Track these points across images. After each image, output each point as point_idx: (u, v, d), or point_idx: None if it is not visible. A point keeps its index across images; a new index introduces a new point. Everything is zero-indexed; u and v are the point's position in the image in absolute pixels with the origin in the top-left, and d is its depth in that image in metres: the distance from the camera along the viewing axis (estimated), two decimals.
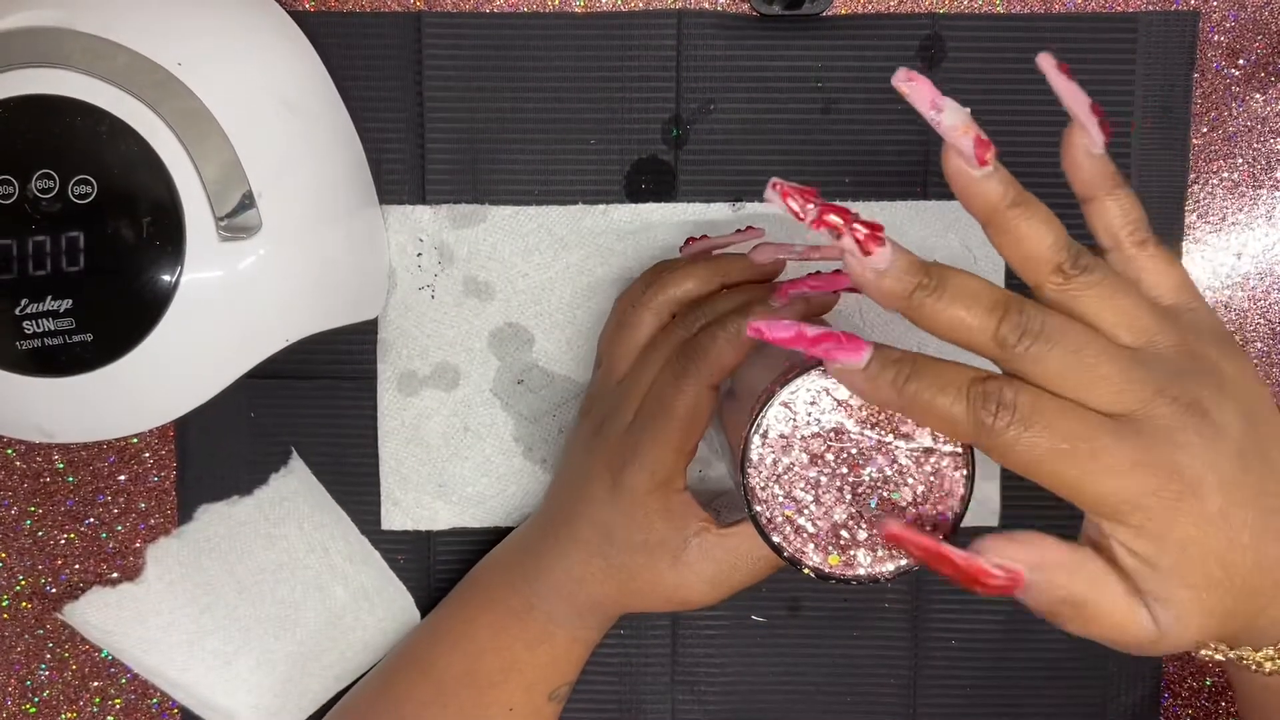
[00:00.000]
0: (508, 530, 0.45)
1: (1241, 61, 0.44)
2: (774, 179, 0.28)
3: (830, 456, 0.30)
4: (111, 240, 0.37)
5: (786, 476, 0.30)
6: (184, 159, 0.37)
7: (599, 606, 0.39)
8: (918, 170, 0.44)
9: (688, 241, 0.41)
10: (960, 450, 0.30)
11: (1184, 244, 0.45)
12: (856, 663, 0.46)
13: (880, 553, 0.30)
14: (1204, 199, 0.45)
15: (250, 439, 0.45)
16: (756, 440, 0.30)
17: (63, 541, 0.46)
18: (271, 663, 0.45)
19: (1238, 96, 0.44)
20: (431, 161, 0.44)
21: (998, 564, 0.27)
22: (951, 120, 0.28)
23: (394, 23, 0.43)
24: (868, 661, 0.46)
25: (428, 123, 0.44)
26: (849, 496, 0.30)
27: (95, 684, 0.46)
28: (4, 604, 0.46)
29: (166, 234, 0.37)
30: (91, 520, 0.46)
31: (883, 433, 0.30)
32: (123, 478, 0.45)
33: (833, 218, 0.27)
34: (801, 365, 0.30)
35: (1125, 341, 0.28)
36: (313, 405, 0.45)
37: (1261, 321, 0.45)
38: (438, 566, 0.46)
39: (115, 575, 0.46)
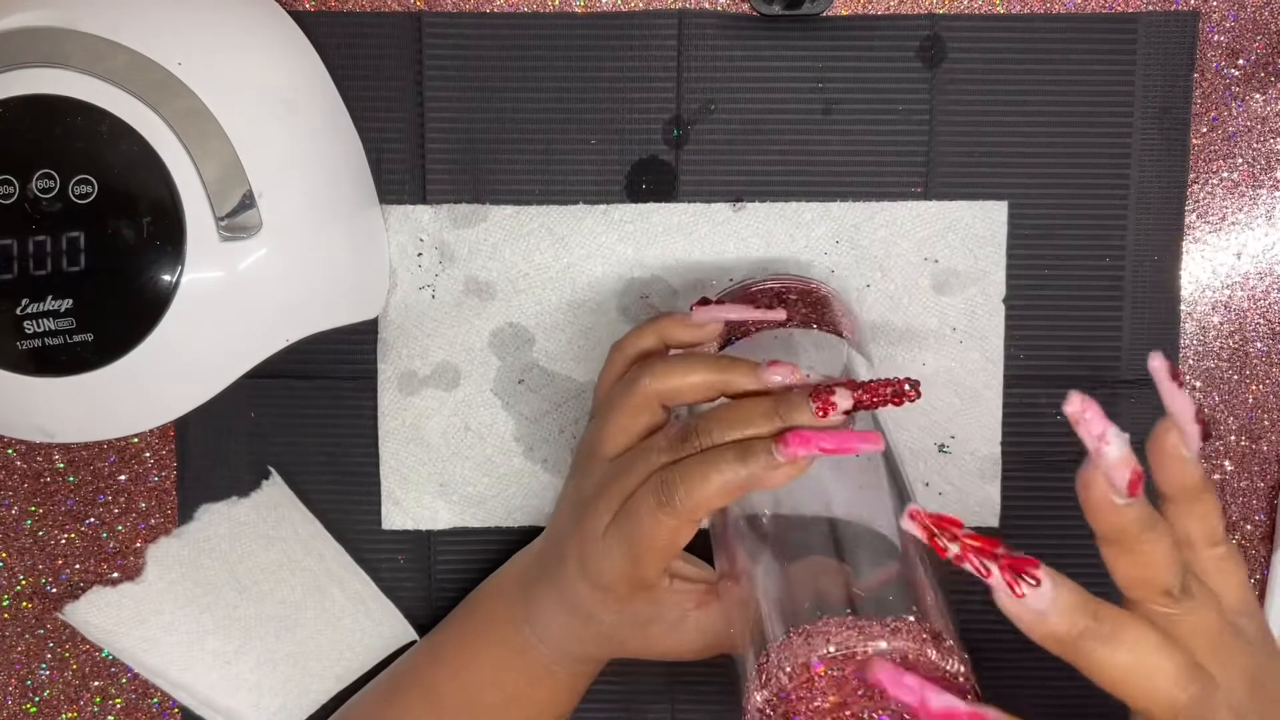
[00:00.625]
0: (508, 530, 0.45)
1: (1241, 61, 0.44)
2: (912, 507, 0.27)
3: None
4: (112, 240, 0.37)
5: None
6: (184, 159, 0.37)
7: (596, 658, 0.39)
8: (918, 170, 0.44)
9: (701, 302, 0.38)
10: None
11: (1184, 244, 0.45)
12: None
13: None
14: (1204, 199, 0.45)
15: (250, 439, 0.45)
16: (758, 698, 0.29)
17: (63, 541, 0.46)
18: (272, 663, 0.45)
19: (1237, 96, 0.44)
20: (432, 161, 0.44)
21: None
22: (1116, 454, 0.27)
23: (394, 23, 0.43)
24: None
25: (428, 122, 0.44)
26: None
27: (96, 684, 0.46)
28: (4, 604, 0.46)
29: (167, 234, 0.37)
30: (92, 520, 0.46)
31: (885, 709, 0.29)
32: (123, 477, 0.45)
33: (977, 559, 0.27)
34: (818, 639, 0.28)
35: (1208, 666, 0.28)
36: (313, 405, 0.45)
37: (1261, 321, 0.45)
38: (438, 566, 0.46)
39: (115, 575, 0.46)
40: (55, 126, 0.36)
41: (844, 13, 0.44)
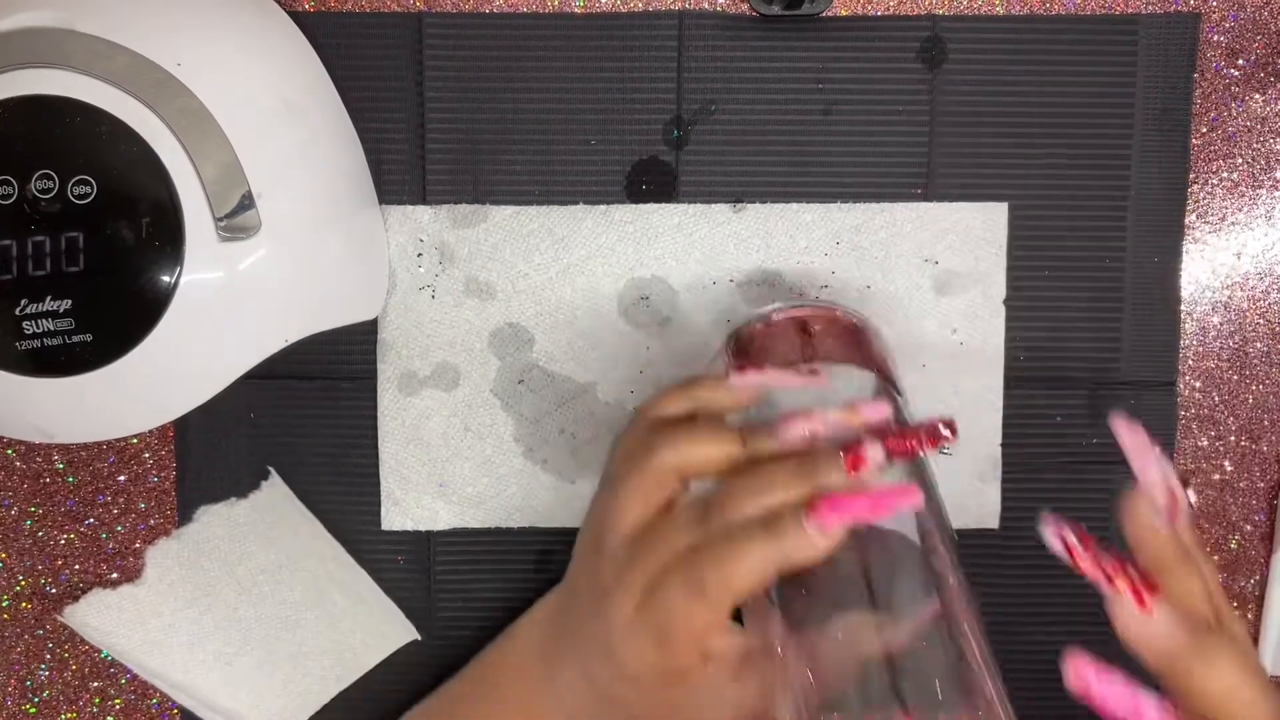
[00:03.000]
0: (507, 531, 0.45)
1: (1241, 62, 0.44)
2: (1050, 519, 0.27)
3: None
4: (111, 240, 0.37)
5: None
6: (183, 159, 0.37)
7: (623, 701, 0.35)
8: (918, 172, 0.44)
9: (739, 369, 0.34)
10: None
11: (1184, 244, 0.45)
12: None
13: None
14: (1204, 199, 0.45)
15: (250, 439, 0.45)
16: None
17: (63, 542, 0.46)
18: (273, 663, 0.45)
19: (1237, 97, 0.44)
20: (432, 162, 0.44)
21: None
22: (1158, 475, 0.27)
23: (394, 23, 0.43)
24: None
25: (428, 123, 0.44)
26: None
27: (95, 684, 0.46)
28: (4, 604, 0.46)
29: (166, 234, 0.37)
30: (91, 520, 0.46)
31: None
32: (122, 478, 0.45)
33: (1108, 574, 0.27)
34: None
35: None
36: (312, 406, 0.45)
37: (1261, 321, 0.45)
38: (438, 567, 0.46)
39: (115, 576, 0.46)
40: (54, 127, 0.36)
41: (844, 13, 0.44)
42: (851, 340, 0.36)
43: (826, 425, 0.31)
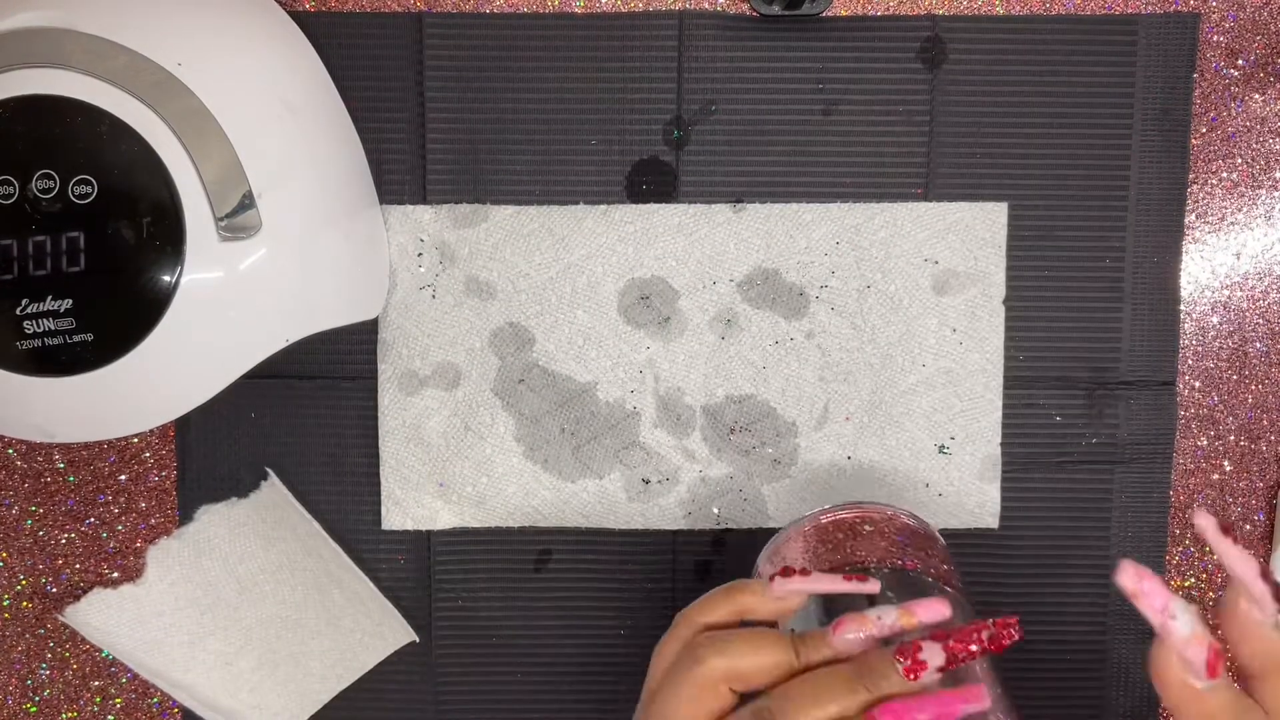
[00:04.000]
0: (507, 531, 0.45)
1: (1241, 62, 0.44)
2: (1126, 564, 0.25)
3: None
4: (112, 240, 0.37)
5: None
6: (184, 159, 0.37)
7: None
8: (918, 171, 0.44)
9: (783, 572, 0.32)
10: None
11: (1184, 244, 0.45)
12: None
13: None
14: (1203, 199, 0.45)
15: (250, 439, 0.45)
16: None
17: (63, 541, 0.46)
18: (273, 663, 0.45)
19: (1237, 97, 0.44)
20: (432, 162, 0.44)
21: None
22: (1186, 630, 0.25)
23: (395, 23, 0.43)
24: None
25: (429, 123, 0.44)
26: None
27: (96, 683, 0.46)
28: (5, 604, 0.46)
29: (166, 234, 0.37)
30: (92, 520, 0.46)
31: None
32: (123, 477, 0.45)
33: (1199, 648, 0.25)
34: None
35: None
36: (313, 405, 0.45)
37: (1261, 321, 0.45)
38: (437, 567, 0.46)
39: (116, 575, 0.46)
40: (55, 127, 0.36)
41: (844, 13, 0.44)
42: (908, 540, 0.35)
43: (881, 629, 0.29)
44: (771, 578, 0.32)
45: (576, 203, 0.44)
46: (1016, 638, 0.28)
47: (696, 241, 0.44)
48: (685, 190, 0.44)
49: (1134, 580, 0.25)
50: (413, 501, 0.45)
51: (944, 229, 0.44)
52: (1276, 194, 0.45)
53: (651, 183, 0.44)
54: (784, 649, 0.30)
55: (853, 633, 0.29)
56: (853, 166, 0.44)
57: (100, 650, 0.46)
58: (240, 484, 0.45)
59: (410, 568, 0.46)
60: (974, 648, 0.27)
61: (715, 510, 0.45)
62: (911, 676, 0.27)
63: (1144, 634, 0.46)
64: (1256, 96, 0.44)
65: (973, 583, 0.46)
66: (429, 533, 0.45)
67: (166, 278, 0.37)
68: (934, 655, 0.27)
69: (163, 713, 0.46)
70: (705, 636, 0.31)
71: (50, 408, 0.38)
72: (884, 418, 0.45)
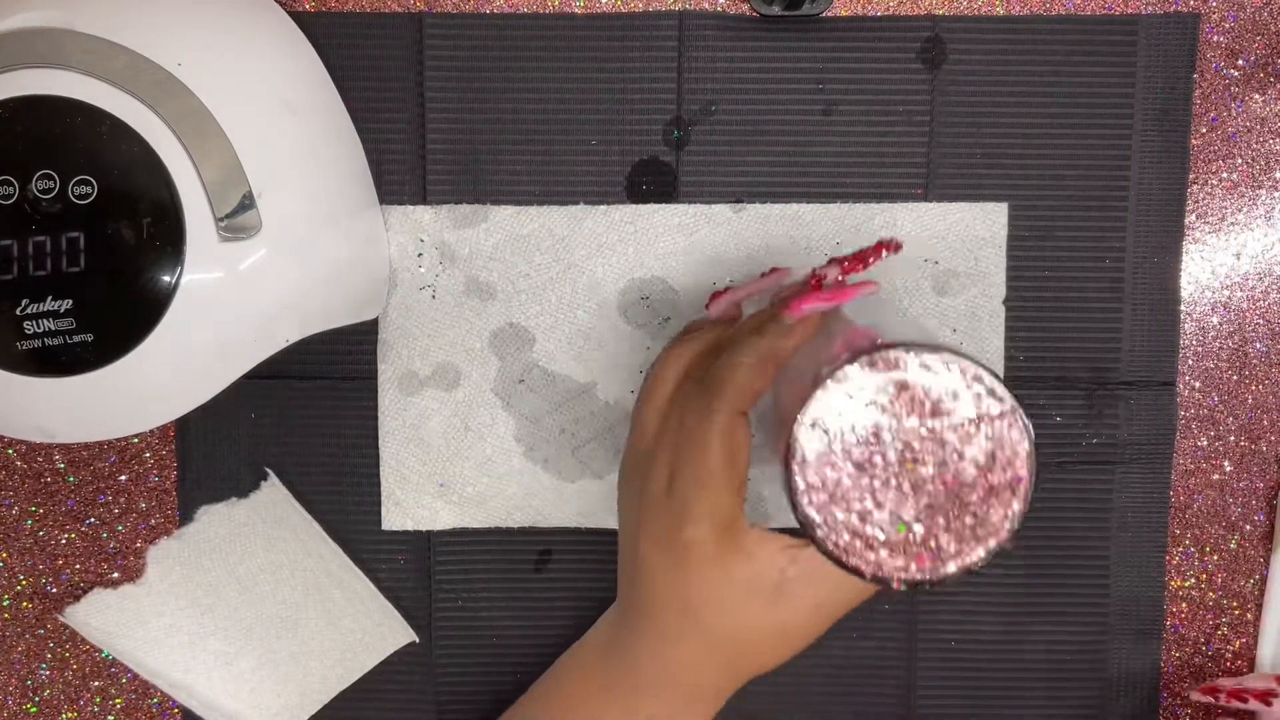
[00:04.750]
0: (508, 531, 0.45)
1: (1241, 62, 0.44)
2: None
3: (878, 459, 0.29)
4: (112, 240, 0.37)
5: (840, 494, 0.29)
6: (184, 159, 0.37)
7: (712, 687, 0.35)
8: (919, 172, 0.44)
9: (713, 297, 0.39)
10: (1009, 406, 0.28)
11: (1184, 244, 0.45)
12: (855, 663, 0.46)
13: (966, 536, 0.29)
14: (1203, 199, 0.45)
15: (250, 440, 0.45)
16: (797, 469, 0.29)
17: (63, 541, 0.46)
18: (274, 663, 0.45)
19: (1237, 97, 0.44)
20: (432, 162, 0.44)
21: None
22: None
23: (395, 23, 0.43)
24: (866, 662, 0.46)
25: (429, 123, 0.44)
26: (911, 492, 0.29)
27: (96, 683, 0.46)
28: (5, 604, 0.46)
29: (166, 234, 0.37)
30: (92, 520, 0.46)
31: (921, 419, 0.28)
32: (123, 478, 0.45)
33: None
34: (815, 380, 0.29)
35: None
36: (313, 406, 0.45)
37: (1261, 321, 0.45)
38: (438, 567, 0.46)
39: (116, 575, 0.46)
40: (55, 127, 0.36)
41: (844, 14, 0.44)
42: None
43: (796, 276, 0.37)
44: (706, 305, 0.39)
45: (577, 203, 0.44)
46: (896, 248, 0.36)
47: (697, 242, 0.44)
48: (685, 190, 0.44)
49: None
50: (413, 501, 0.45)
51: (944, 229, 0.44)
52: (1277, 194, 0.45)
53: (652, 183, 0.44)
54: (728, 322, 0.38)
55: (782, 277, 0.38)
56: (853, 167, 0.44)
57: (100, 650, 0.46)
58: (240, 484, 0.45)
59: (410, 568, 0.46)
60: (860, 262, 0.36)
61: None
62: (815, 286, 0.35)
63: (1145, 634, 0.46)
64: (1256, 97, 0.44)
65: (972, 583, 0.46)
66: (429, 533, 0.45)
67: (166, 278, 0.37)
68: (832, 269, 0.36)
69: (163, 713, 0.46)
70: (747, 333, 0.35)
71: (50, 408, 0.38)
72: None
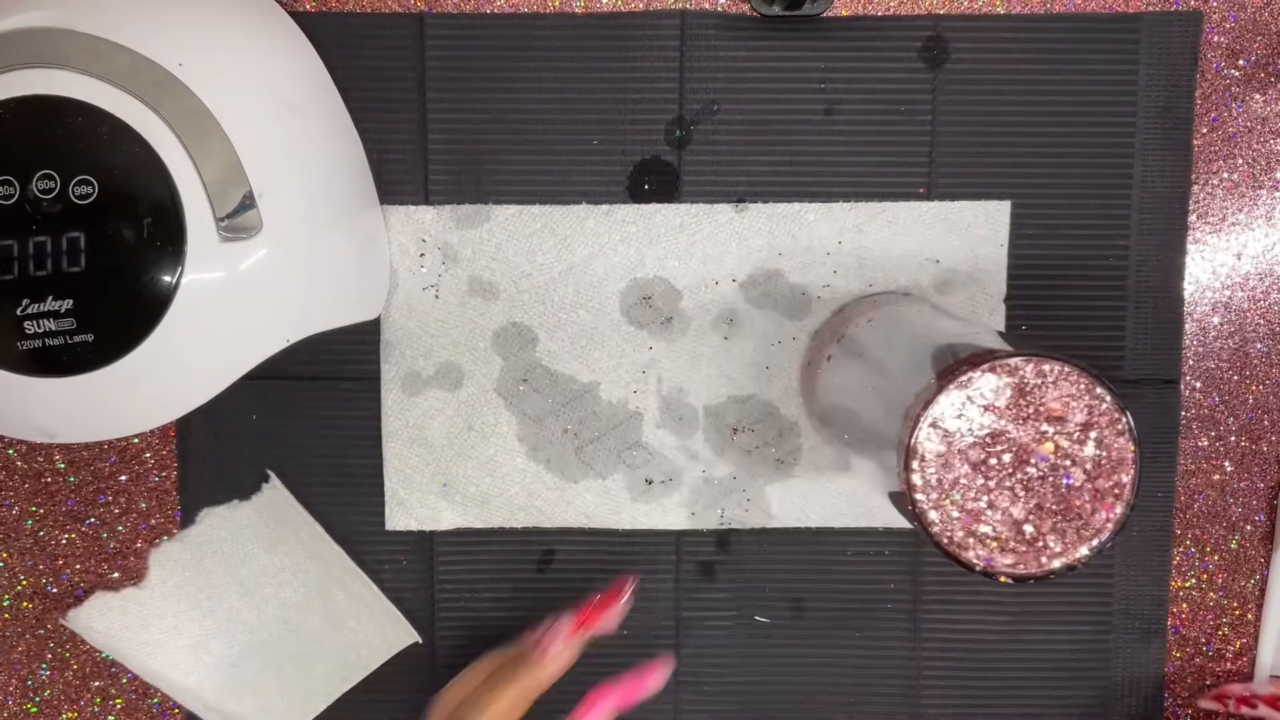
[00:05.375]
0: (510, 531, 0.45)
1: (1242, 62, 0.44)
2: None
3: (993, 461, 0.30)
4: (112, 240, 0.36)
5: (955, 492, 0.30)
6: (184, 159, 0.37)
7: None
8: (921, 171, 0.44)
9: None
10: (1119, 415, 0.30)
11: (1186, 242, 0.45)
12: (859, 663, 0.46)
13: (1070, 536, 0.30)
14: (1204, 199, 0.45)
15: (251, 440, 0.45)
16: (916, 466, 0.30)
17: (64, 541, 0.45)
18: (277, 665, 0.45)
19: (1238, 97, 0.44)
20: (434, 162, 0.44)
21: None
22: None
23: (396, 23, 0.43)
24: (870, 661, 0.46)
25: (430, 123, 0.44)
26: (1023, 493, 0.30)
27: (96, 684, 0.46)
28: (5, 604, 0.46)
29: (167, 234, 0.37)
30: (93, 520, 0.45)
31: (1037, 424, 0.30)
32: (124, 478, 0.45)
33: None
34: (936, 385, 0.30)
35: None
36: (315, 406, 0.45)
37: (1261, 322, 0.45)
38: (440, 567, 0.46)
39: (116, 575, 0.46)
40: (55, 127, 0.36)
41: (845, 13, 0.44)
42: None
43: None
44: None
45: (579, 203, 0.44)
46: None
47: (699, 241, 0.44)
48: (687, 190, 0.44)
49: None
50: (416, 502, 0.45)
51: (945, 229, 0.44)
52: (1277, 194, 0.45)
53: (654, 183, 0.44)
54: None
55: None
56: (855, 166, 0.44)
57: (101, 651, 0.46)
58: (242, 485, 0.45)
59: (413, 568, 0.46)
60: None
61: (719, 510, 0.45)
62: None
63: (1146, 634, 0.46)
64: (1257, 97, 0.44)
65: (972, 582, 0.46)
66: (432, 533, 0.45)
67: (167, 278, 0.37)
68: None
69: (163, 713, 0.46)
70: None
71: (51, 408, 0.38)
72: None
